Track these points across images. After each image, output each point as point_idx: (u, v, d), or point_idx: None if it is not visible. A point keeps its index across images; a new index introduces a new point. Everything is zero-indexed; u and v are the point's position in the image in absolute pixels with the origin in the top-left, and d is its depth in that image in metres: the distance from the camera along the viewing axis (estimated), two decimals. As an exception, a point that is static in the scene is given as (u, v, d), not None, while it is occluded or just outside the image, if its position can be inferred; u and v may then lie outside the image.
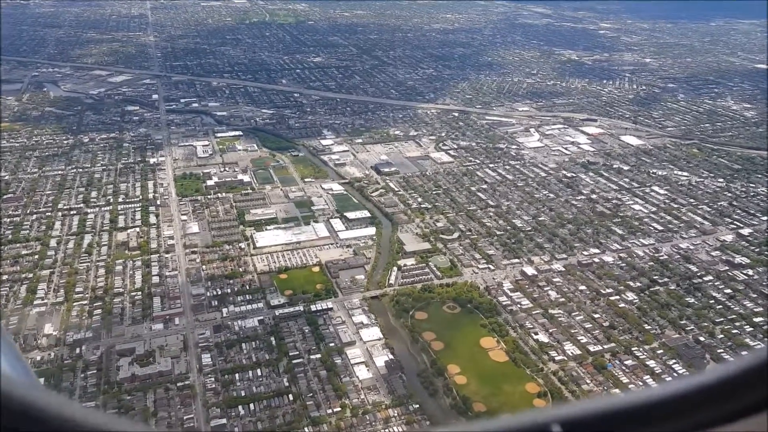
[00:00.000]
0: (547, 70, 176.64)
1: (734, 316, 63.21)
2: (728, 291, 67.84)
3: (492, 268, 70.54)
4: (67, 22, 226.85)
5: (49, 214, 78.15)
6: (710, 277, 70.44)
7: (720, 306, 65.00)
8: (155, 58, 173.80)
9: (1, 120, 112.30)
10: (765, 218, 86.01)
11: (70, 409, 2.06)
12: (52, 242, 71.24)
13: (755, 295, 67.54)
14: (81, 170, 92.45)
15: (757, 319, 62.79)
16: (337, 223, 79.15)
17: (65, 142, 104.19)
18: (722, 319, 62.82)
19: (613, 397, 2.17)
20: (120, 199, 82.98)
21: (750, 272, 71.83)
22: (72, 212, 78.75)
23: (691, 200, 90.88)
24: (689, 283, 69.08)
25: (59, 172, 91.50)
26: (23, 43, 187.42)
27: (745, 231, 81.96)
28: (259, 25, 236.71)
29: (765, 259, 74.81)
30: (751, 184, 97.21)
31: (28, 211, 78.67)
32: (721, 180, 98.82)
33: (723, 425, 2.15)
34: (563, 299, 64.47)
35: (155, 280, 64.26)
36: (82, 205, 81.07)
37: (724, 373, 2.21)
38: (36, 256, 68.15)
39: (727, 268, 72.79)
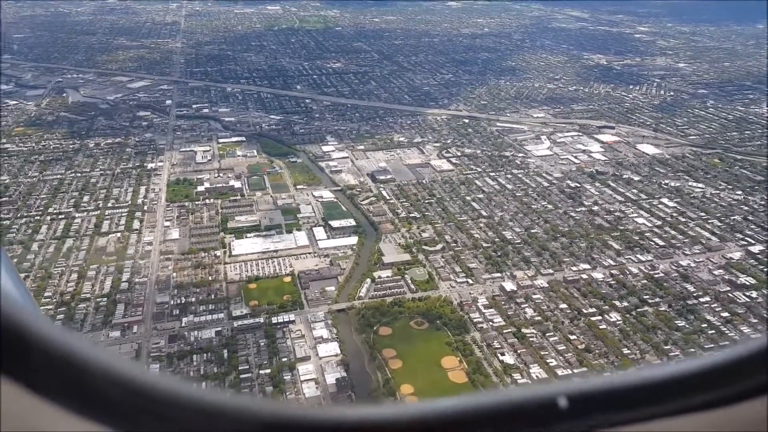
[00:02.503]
0: (571, 75, 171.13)
1: (726, 343, 58.38)
2: (725, 314, 62.85)
3: (470, 282, 67.48)
4: (102, 29, 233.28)
5: (39, 218, 79.26)
6: (708, 299, 65.47)
7: (713, 331, 60.20)
8: (177, 65, 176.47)
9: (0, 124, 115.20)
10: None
11: (77, 343, 2.03)
12: (34, 246, 72.04)
13: (755, 320, 62.38)
14: (79, 174, 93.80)
15: (752, 346, 57.76)
16: (319, 232, 77.57)
17: (71, 146, 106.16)
18: (712, 345, 58.11)
19: (620, 374, 2.21)
20: (109, 204, 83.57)
21: (754, 294, 66.47)
22: (60, 216, 79.65)
23: (702, 214, 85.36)
24: (683, 304, 64.35)
25: (58, 176, 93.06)
26: (56, 49, 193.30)
27: (757, 248, 76.21)
28: (287, 32, 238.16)
29: (773, 280, 69.37)
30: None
31: (19, 215, 80.00)
32: (740, 192, 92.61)
33: (724, 407, 2.22)
34: (539, 318, 60.93)
35: (124, 286, 63.98)
36: (72, 209, 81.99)
37: (727, 356, 2.28)
38: (15, 260, 68.91)
39: (728, 288, 67.62)
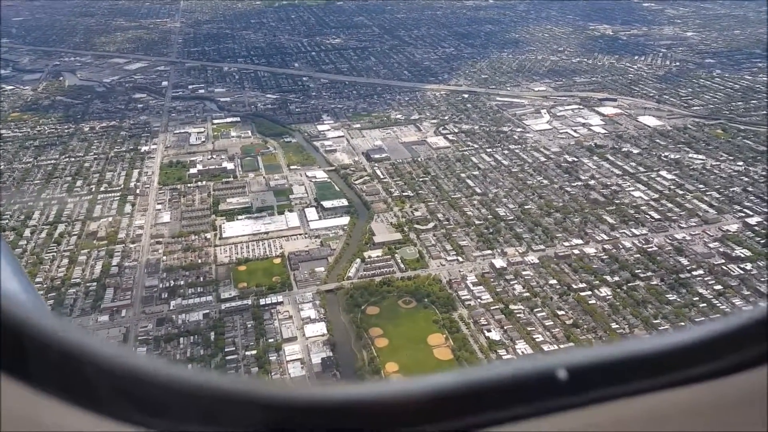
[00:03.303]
0: (575, 46, 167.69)
1: (718, 316, 57.67)
2: (718, 287, 61.98)
3: (461, 260, 67.02)
4: (101, 10, 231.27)
5: (31, 203, 79.58)
6: (701, 272, 64.58)
7: (704, 304, 59.46)
8: (175, 45, 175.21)
9: None
10: (781, 206, 78.56)
11: (78, 336, 2.00)
12: (27, 232, 72.42)
13: (748, 292, 61.48)
14: (74, 159, 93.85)
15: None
16: (311, 213, 77.25)
17: (66, 131, 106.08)
18: (703, 318, 57.40)
19: (620, 345, 2.20)
20: (102, 188, 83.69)
21: (748, 266, 65.40)
22: (53, 202, 79.91)
23: (701, 186, 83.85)
24: (675, 277, 63.51)
25: (52, 161, 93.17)
26: (54, 32, 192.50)
27: (754, 220, 74.87)
28: (287, 8, 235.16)
29: (769, 252, 68.25)
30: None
31: (12, 201, 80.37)
32: (741, 163, 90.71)
33: (724, 377, 2.22)
34: (528, 294, 60.48)
35: (114, 270, 64.27)
36: (65, 194, 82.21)
37: (727, 325, 2.28)
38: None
39: (723, 261, 66.61)
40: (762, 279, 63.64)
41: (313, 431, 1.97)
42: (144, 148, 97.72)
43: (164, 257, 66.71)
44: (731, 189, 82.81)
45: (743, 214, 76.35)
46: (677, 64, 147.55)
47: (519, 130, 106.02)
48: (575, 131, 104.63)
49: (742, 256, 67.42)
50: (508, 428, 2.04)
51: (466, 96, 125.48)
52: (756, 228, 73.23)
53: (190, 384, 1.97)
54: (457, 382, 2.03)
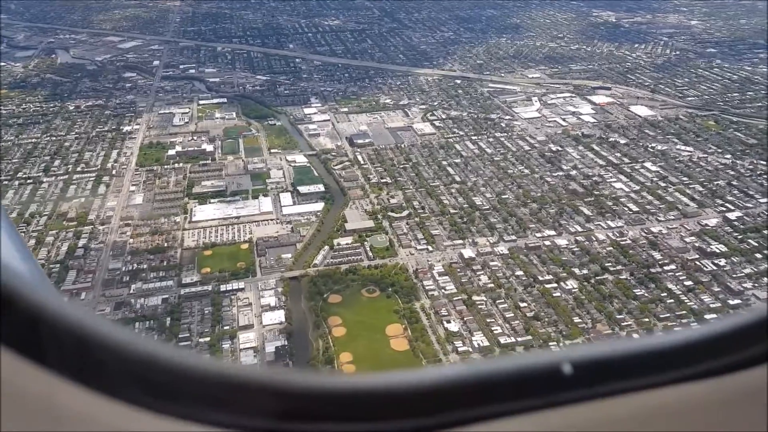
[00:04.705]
0: (575, 33, 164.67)
1: (684, 312, 56.70)
2: (689, 283, 60.87)
3: (431, 249, 66.21)
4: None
5: (6, 183, 79.41)
6: (673, 267, 63.46)
7: (672, 300, 58.42)
8: (172, 24, 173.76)
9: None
10: (764, 200, 76.86)
11: (78, 312, 2.02)
12: (-1, 211, 72.14)
13: (718, 289, 60.34)
14: (55, 138, 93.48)
15: (709, 316, 56.02)
16: (285, 198, 76.57)
17: (51, 109, 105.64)
18: (669, 314, 56.48)
19: (625, 341, 2.29)
20: (79, 169, 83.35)
21: (722, 262, 64.21)
22: (29, 181, 79.73)
23: (684, 178, 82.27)
24: (645, 272, 62.42)
25: (33, 140, 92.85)
26: (52, 9, 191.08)
27: (735, 214, 73.41)
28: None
29: (745, 248, 66.70)
30: (762, 162, 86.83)
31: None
32: (729, 156, 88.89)
33: (725, 374, 2.26)
34: (493, 285, 59.68)
35: (79, 252, 64.07)
36: (41, 174, 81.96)
37: (728, 325, 2.33)
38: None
39: (697, 256, 65.43)
40: (734, 275, 62.46)
41: (324, 419, 1.98)
42: (126, 128, 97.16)
43: (131, 240, 66.38)
44: (715, 182, 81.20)
45: (724, 209, 74.88)
46: (677, 53, 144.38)
47: (507, 117, 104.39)
48: (564, 120, 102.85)
49: (718, 251, 66.18)
50: (513, 421, 2.07)
51: (458, 82, 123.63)
52: (735, 223, 71.79)
53: (189, 365, 1.95)
54: (466, 374, 2.06)
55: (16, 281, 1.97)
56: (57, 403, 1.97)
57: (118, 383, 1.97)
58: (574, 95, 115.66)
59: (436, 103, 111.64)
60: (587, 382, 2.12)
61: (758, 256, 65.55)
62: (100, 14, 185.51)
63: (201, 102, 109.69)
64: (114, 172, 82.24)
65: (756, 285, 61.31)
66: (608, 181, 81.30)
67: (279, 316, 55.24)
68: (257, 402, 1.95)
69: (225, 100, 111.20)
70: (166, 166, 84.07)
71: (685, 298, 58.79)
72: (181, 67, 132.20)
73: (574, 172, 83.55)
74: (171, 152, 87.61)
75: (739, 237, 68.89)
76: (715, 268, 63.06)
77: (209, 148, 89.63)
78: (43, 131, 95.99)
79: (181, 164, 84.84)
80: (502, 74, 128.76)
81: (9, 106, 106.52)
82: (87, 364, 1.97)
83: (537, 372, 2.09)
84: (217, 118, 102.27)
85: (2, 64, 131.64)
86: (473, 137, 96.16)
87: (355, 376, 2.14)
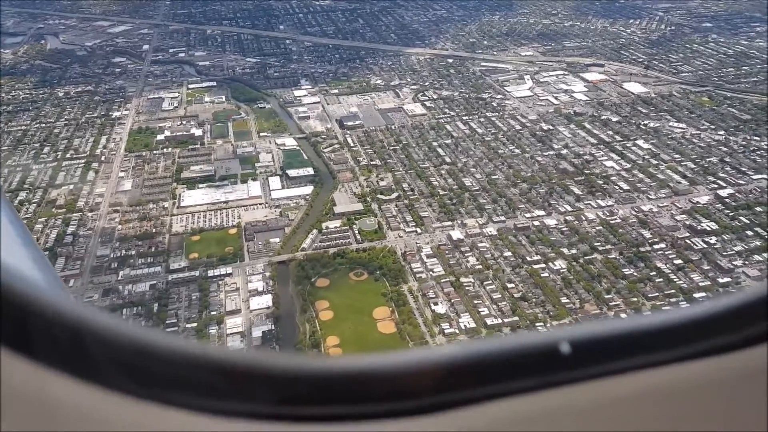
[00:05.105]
0: (570, 9, 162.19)
1: (672, 291, 56.71)
2: (678, 261, 60.79)
3: (419, 231, 66.06)
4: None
5: (-5, 170, 79.18)
6: (663, 245, 63.35)
7: (661, 279, 58.39)
8: (162, 6, 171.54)
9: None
10: (757, 177, 76.45)
11: (77, 309, 1.98)
12: (-13, 199, 71.98)
13: (708, 267, 60.29)
14: (44, 125, 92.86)
15: (698, 294, 56.07)
16: (274, 182, 76.25)
17: (41, 96, 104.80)
18: (657, 293, 56.46)
19: (624, 320, 2.28)
20: (69, 155, 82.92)
21: (713, 240, 64.05)
22: (18, 169, 79.38)
23: (677, 156, 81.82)
24: (635, 251, 62.32)
25: (23, 127, 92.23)
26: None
27: (726, 191, 73.09)
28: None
29: (736, 225, 66.52)
30: (756, 138, 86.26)
31: (-24, 168, 79.99)
32: (722, 132, 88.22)
33: (725, 354, 2.25)
34: (481, 266, 59.64)
35: (68, 239, 64.00)
36: (30, 161, 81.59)
37: (728, 303, 2.31)
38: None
39: (687, 234, 65.28)
40: (725, 253, 62.37)
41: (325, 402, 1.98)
42: (115, 114, 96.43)
43: (119, 226, 66.22)
44: (708, 159, 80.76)
45: (716, 186, 74.54)
46: (672, 28, 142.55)
47: (499, 97, 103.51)
48: (556, 98, 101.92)
49: (708, 229, 65.99)
50: (510, 402, 2.07)
51: (450, 61, 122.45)
52: (727, 200, 71.50)
53: (190, 353, 1.92)
54: (462, 354, 2.05)
55: (8, 275, 1.91)
56: (51, 398, 1.94)
57: (113, 374, 1.93)
58: (566, 73, 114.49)
59: (427, 83, 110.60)
60: (584, 362, 2.11)
61: (749, 233, 65.41)
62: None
63: (190, 86, 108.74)
64: (103, 158, 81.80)
65: (746, 263, 61.26)
66: (599, 159, 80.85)
67: (266, 300, 55.29)
68: (258, 388, 1.92)
69: (215, 83, 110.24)
70: (155, 152, 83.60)
71: (674, 276, 58.74)
72: (171, 50, 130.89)
73: (564, 151, 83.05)
74: (160, 137, 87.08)
75: (731, 214, 68.61)
76: (705, 246, 62.90)
77: (198, 132, 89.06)
78: (32, 118, 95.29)
79: (170, 149, 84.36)
80: (495, 52, 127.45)
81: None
82: (80, 356, 1.92)
83: (534, 352, 2.08)
84: (206, 102, 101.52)
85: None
86: (464, 117, 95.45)
87: (349, 358, 2.08)
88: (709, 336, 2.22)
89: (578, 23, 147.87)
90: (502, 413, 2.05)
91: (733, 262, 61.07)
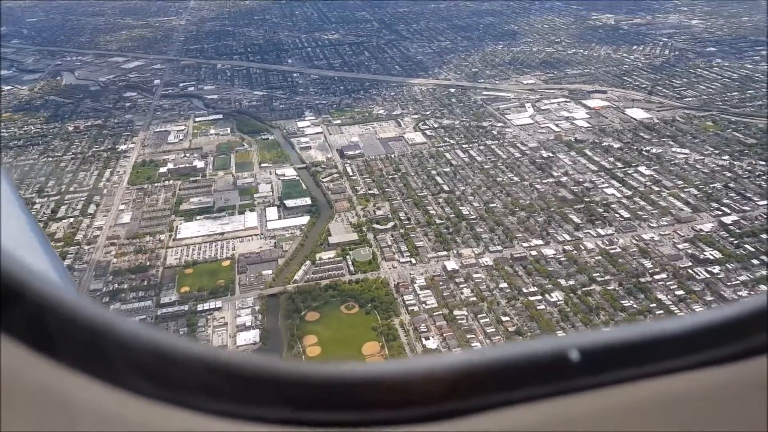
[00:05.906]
0: (573, 37, 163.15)
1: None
2: (680, 292, 59.18)
3: (414, 262, 65.39)
4: (111, 9, 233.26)
5: None
6: (664, 275, 61.78)
7: (661, 311, 56.76)
8: (176, 43, 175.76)
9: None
10: (762, 203, 74.83)
11: (80, 301, 1.98)
12: (-12, 234, 72.96)
13: (711, 298, 58.56)
14: (51, 159, 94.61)
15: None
16: (271, 212, 76.40)
17: (51, 130, 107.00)
18: (655, 325, 54.79)
19: (633, 327, 2.23)
20: (71, 189, 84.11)
21: (716, 269, 62.34)
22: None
23: (679, 182, 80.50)
24: (635, 282, 60.87)
25: (31, 161, 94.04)
26: (62, 32, 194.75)
27: (730, 218, 71.45)
28: (291, 4, 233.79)
29: (741, 254, 64.77)
30: (761, 162, 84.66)
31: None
32: (726, 157, 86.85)
33: (727, 364, 2.22)
34: (475, 299, 58.62)
35: (64, 273, 64.24)
36: (34, 195, 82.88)
37: (728, 313, 2.28)
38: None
39: (690, 263, 63.66)
40: (729, 283, 60.62)
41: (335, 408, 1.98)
42: (122, 147, 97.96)
43: (115, 259, 66.56)
44: (711, 185, 79.32)
45: (720, 213, 72.97)
46: (676, 53, 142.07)
47: (500, 125, 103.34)
48: (557, 125, 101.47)
49: (712, 258, 64.30)
50: (518, 411, 2.07)
51: (452, 90, 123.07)
52: (731, 227, 69.86)
53: (189, 353, 1.92)
54: (469, 362, 2.03)
55: (23, 271, 1.92)
56: (69, 396, 1.96)
57: (133, 375, 1.94)
58: (568, 100, 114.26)
59: (428, 113, 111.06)
60: (587, 371, 2.08)
61: (754, 262, 63.64)
62: (107, 35, 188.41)
63: (197, 119, 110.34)
64: (105, 191, 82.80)
65: (752, 293, 59.34)
66: (600, 187, 79.85)
67: (253, 336, 54.72)
68: (275, 392, 1.91)
69: (221, 116, 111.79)
70: (156, 184, 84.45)
71: (675, 308, 57.09)
72: (181, 85, 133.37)
73: (564, 179, 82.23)
74: (162, 170, 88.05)
75: (735, 242, 66.95)
76: (708, 276, 61.22)
77: (200, 164, 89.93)
78: (41, 152, 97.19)
79: (171, 181, 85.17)
80: (497, 81, 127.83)
81: (11, 129, 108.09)
82: (101, 356, 1.93)
83: (541, 359, 2.05)
84: (211, 135, 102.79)
85: (8, 87, 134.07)
86: (464, 145, 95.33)
87: (359, 364, 2.10)
88: (709, 346, 2.17)
89: (581, 51, 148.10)
90: (511, 421, 2.03)
91: (738, 293, 59.22)
